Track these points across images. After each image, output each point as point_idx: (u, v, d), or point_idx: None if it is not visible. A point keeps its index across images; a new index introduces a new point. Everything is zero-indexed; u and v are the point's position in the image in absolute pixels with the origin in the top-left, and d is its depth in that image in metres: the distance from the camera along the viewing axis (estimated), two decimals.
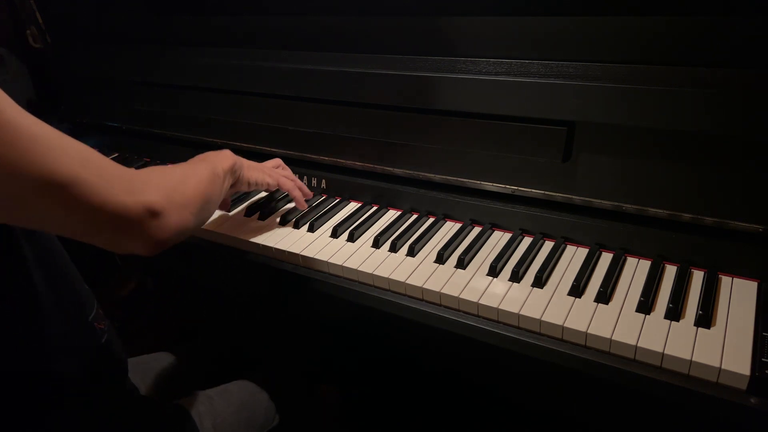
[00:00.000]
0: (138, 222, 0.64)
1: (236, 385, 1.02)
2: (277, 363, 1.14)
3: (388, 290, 0.92)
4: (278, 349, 1.20)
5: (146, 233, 0.65)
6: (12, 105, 0.57)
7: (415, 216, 1.09)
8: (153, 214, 0.65)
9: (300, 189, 1.10)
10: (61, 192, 0.58)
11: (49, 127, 0.59)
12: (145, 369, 1.06)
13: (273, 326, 1.33)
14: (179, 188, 0.72)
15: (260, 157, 1.27)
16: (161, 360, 1.11)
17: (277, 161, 1.14)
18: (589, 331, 0.77)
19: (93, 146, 1.71)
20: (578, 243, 0.96)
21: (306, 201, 1.16)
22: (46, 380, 0.74)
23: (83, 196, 0.59)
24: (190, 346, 1.19)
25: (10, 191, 0.56)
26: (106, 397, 0.83)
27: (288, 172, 1.13)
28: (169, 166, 0.76)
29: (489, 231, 1.02)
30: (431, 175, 1.08)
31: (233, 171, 0.93)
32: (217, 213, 1.15)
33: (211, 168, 0.85)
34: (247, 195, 1.21)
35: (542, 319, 0.80)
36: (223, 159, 0.91)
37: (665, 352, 0.72)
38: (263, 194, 1.22)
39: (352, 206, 1.15)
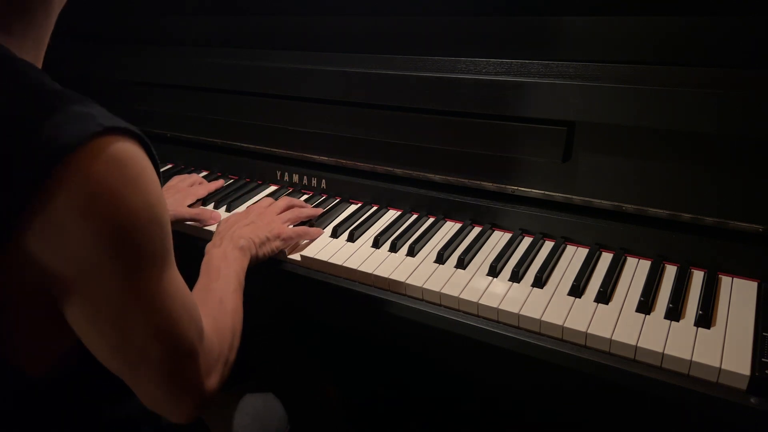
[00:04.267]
0: (194, 399, 0.65)
1: (250, 396, 1.00)
2: (279, 366, 1.13)
3: (388, 290, 0.92)
4: (279, 352, 1.20)
5: (192, 407, 0.66)
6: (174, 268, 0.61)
7: (415, 216, 1.09)
8: (207, 396, 0.66)
9: (307, 216, 1.07)
10: (177, 358, 0.61)
11: (188, 291, 0.63)
12: None
13: (273, 329, 1.33)
14: (231, 356, 0.73)
15: (261, 157, 1.28)
16: None
17: (270, 204, 1.06)
18: (589, 331, 0.77)
19: None
20: (578, 243, 0.96)
21: (306, 200, 1.16)
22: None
23: (189, 367, 0.63)
24: None
25: (134, 340, 0.58)
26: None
27: (286, 206, 1.07)
28: (224, 320, 0.76)
29: (489, 231, 1.02)
30: (431, 175, 1.08)
31: (249, 265, 0.91)
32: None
33: (240, 289, 0.84)
34: (246, 198, 1.21)
35: (542, 319, 0.80)
36: (243, 261, 0.89)
37: (665, 352, 0.72)
38: (260, 197, 1.21)
39: (352, 206, 1.15)
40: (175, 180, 1.23)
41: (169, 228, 0.60)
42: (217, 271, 0.84)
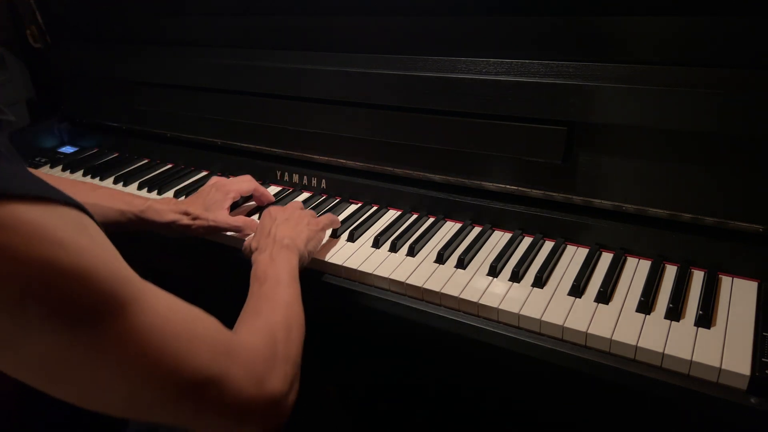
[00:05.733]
0: (262, 415, 0.56)
1: None
2: None
3: (388, 290, 0.92)
4: None
5: (266, 423, 0.58)
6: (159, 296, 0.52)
7: (415, 216, 1.09)
8: (276, 404, 0.58)
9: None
10: (196, 393, 0.51)
11: (180, 309, 0.53)
12: None
13: None
14: (291, 351, 0.65)
15: (261, 157, 1.28)
16: None
17: (297, 208, 0.99)
18: (589, 331, 0.77)
19: (93, 146, 1.70)
20: (578, 243, 0.96)
21: (306, 200, 1.16)
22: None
23: (226, 393, 0.52)
24: None
25: (149, 396, 0.49)
26: None
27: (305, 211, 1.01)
28: (272, 315, 0.68)
29: (489, 231, 1.02)
30: (431, 175, 1.08)
31: (300, 262, 0.86)
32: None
33: (294, 283, 0.78)
34: (248, 199, 1.21)
35: (542, 319, 0.80)
36: (291, 258, 0.83)
37: (665, 352, 0.72)
38: None
39: (352, 206, 1.15)
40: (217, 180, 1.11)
41: (105, 273, 0.47)
42: (264, 275, 0.78)
